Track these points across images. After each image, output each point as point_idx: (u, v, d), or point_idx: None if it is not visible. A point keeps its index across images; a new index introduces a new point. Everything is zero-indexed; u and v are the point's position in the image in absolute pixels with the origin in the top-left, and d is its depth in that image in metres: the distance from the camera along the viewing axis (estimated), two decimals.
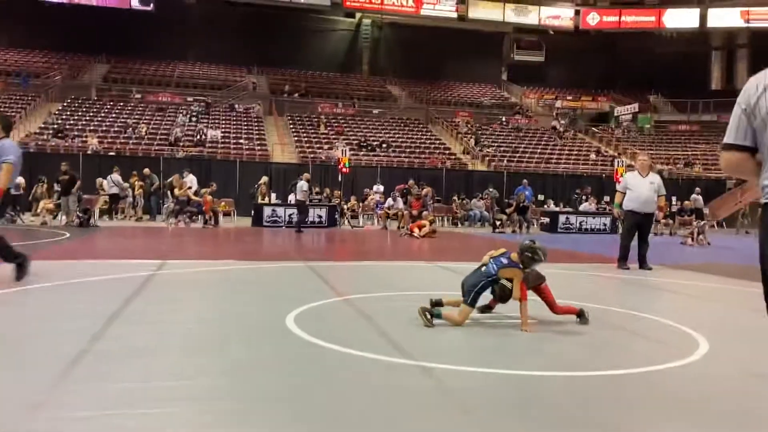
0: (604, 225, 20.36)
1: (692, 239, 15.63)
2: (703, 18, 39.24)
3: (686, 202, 23.31)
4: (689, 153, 32.92)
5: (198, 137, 26.19)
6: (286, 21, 38.83)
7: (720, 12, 39.15)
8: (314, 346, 4.25)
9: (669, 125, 37.77)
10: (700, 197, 23.37)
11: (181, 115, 28.67)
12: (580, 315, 5.22)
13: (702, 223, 16.90)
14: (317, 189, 21.45)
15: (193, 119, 28.42)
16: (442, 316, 5.00)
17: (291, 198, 19.97)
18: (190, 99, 31.36)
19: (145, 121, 27.48)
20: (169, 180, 18.78)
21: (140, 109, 29.42)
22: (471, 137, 31.15)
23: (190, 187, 18.07)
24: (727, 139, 2.36)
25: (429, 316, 4.95)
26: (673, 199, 24.12)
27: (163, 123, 28.00)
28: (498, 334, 4.91)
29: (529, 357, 4.27)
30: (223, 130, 27.84)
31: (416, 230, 15.45)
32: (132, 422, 2.82)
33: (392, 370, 3.78)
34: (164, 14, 34.71)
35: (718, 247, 14.96)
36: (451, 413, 3.07)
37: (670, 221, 21.50)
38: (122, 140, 25.13)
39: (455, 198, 22.43)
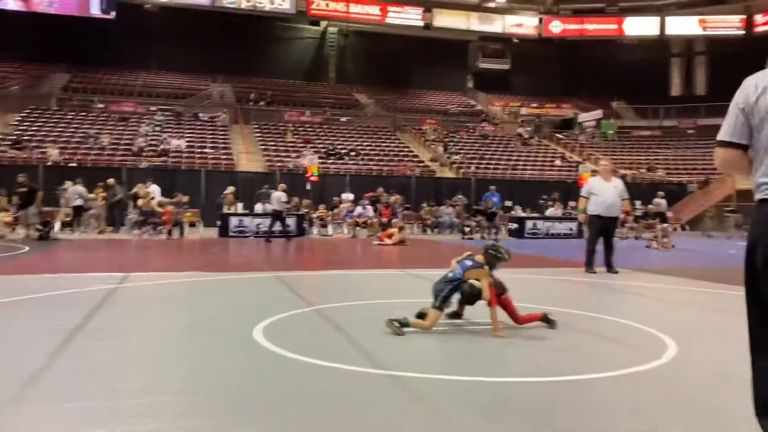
0: (571, 229, 20.59)
1: (657, 242, 15.88)
2: (662, 26, 40.22)
3: (650, 206, 23.72)
4: (652, 158, 33.60)
5: (162, 147, 25.77)
6: (251, 29, 38.57)
7: (678, 20, 40.19)
8: (283, 358, 4.15)
9: (631, 131, 38.53)
10: (663, 201, 23.81)
11: (144, 124, 28.18)
12: (545, 319, 5.22)
13: (665, 226, 17.20)
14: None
15: (157, 129, 27.97)
16: (411, 324, 4.95)
17: (258, 207, 19.78)
18: (153, 108, 30.88)
19: (107, 132, 26.92)
20: (132, 191, 18.40)
21: (102, 119, 28.83)
22: (439, 144, 31.30)
23: (152, 198, 17.75)
24: (724, 136, 2.43)
25: (397, 325, 4.90)
26: (637, 203, 24.54)
27: (126, 133, 27.49)
28: (468, 340, 4.87)
29: (499, 363, 4.24)
30: (187, 139, 27.44)
31: (386, 239, 15.40)
32: None
33: (363, 380, 3.71)
34: (126, 22, 34.08)
35: (682, 249, 15.24)
36: (424, 422, 3.01)
37: (635, 225, 21.86)
38: (84, 151, 24.57)
39: (424, 205, 22.46)
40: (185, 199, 19.00)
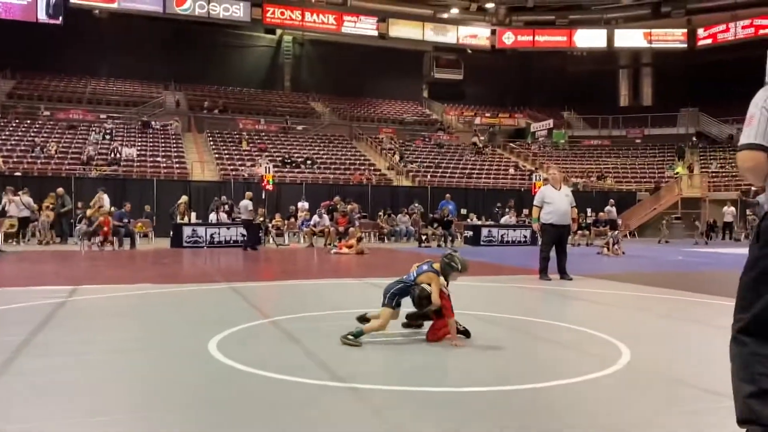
0: (525, 237, 20.92)
1: (608, 249, 16.25)
2: (610, 38, 41.39)
3: (600, 214, 24.34)
4: (601, 166, 34.46)
5: (112, 155, 25.14)
6: (204, 36, 38.10)
7: (625, 33, 41.44)
8: (239, 373, 4.06)
9: (582, 140, 39.48)
10: (614, 209, 24.46)
11: (94, 132, 27.45)
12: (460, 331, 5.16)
13: (616, 233, 17.62)
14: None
15: (107, 137, 27.28)
16: (364, 331, 4.92)
17: (212, 217, 19.45)
18: (103, 116, 30.13)
19: (54, 140, 26.13)
20: (93, 201, 17.90)
21: (49, 126, 27.98)
22: (395, 153, 31.43)
23: (101, 206, 17.26)
24: (756, 139, 2.42)
25: (352, 338, 4.85)
26: (588, 210, 25.13)
27: (75, 141, 26.72)
28: (425, 351, 4.84)
29: (458, 373, 4.24)
30: (139, 148, 26.85)
31: (345, 249, 15.34)
32: None
33: (322, 393, 3.66)
34: (74, 28, 33.17)
35: (632, 256, 15.64)
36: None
37: (587, 232, 22.37)
38: (30, 160, 23.77)
39: (381, 213, 22.49)
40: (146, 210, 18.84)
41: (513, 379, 4.01)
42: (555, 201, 9.99)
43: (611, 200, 25.13)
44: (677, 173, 32.03)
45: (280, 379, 3.90)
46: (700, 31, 40.14)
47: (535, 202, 10.46)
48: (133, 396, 3.60)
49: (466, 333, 5.14)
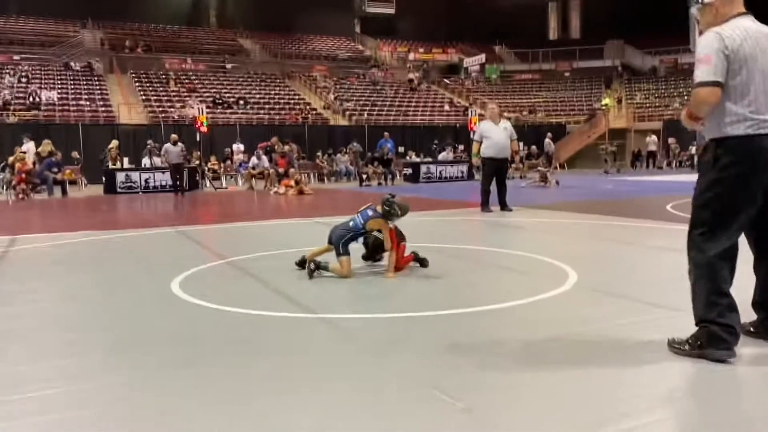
0: (462, 173, 21.32)
1: (544, 181, 16.70)
2: None
3: (533, 147, 24.99)
4: (533, 100, 35.13)
5: (30, 100, 23.73)
6: None
7: None
8: (210, 310, 4.13)
9: (514, 75, 39.96)
10: (552, 142, 25.17)
11: (8, 75, 25.72)
12: (417, 259, 5.38)
13: (550, 168, 18.18)
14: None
15: (23, 80, 25.65)
16: (330, 269, 5.07)
17: (145, 161, 18.87)
18: (17, 57, 28.19)
19: None
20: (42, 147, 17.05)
21: None
22: (330, 92, 30.99)
23: (24, 152, 16.42)
24: (714, 77, 2.83)
25: (313, 267, 5.05)
26: (521, 144, 25.72)
27: None
28: (384, 283, 4.98)
29: (417, 299, 4.43)
30: (59, 91, 25.41)
31: (283, 188, 15.30)
32: (9, 408, 2.59)
33: (297, 324, 3.79)
34: None
35: (565, 187, 16.26)
36: (361, 356, 3.14)
37: (520, 165, 22.98)
38: None
39: (320, 154, 22.35)
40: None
41: (473, 301, 4.24)
42: (493, 135, 10.23)
43: (549, 134, 25.76)
44: (605, 105, 33.04)
45: (253, 314, 3.99)
46: None
47: (474, 137, 10.72)
48: (106, 338, 3.61)
49: (423, 262, 5.35)
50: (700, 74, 2.86)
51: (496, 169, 10.32)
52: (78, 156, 19.54)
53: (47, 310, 4.27)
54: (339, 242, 5.11)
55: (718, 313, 2.89)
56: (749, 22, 2.92)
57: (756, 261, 3.18)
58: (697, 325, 3.00)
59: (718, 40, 2.84)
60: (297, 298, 4.41)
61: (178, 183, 16.51)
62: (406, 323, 3.80)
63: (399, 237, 5.32)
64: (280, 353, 3.25)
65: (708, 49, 2.85)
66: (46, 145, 17.33)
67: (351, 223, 5.23)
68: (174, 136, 17.04)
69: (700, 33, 3.09)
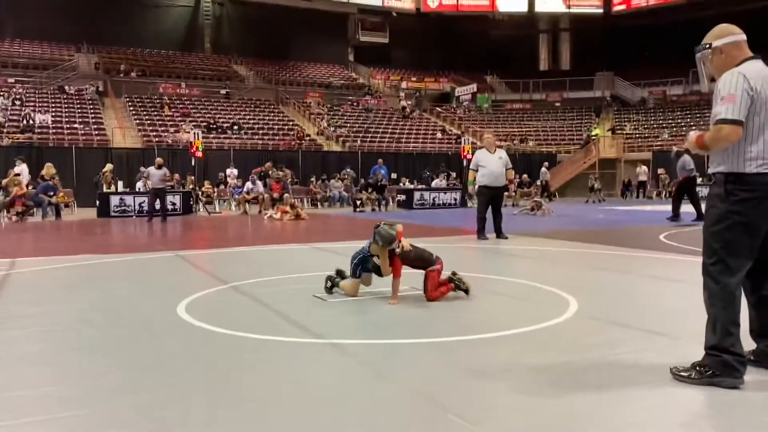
0: (455, 199, 21.51)
1: (538, 210, 16.83)
2: (531, 3, 42.34)
3: (524, 176, 25.27)
4: (524, 129, 35.57)
5: (24, 122, 23.77)
6: None
7: None
8: (218, 335, 4.17)
9: (505, 104, 40.53)
10: (548, 171, 25.50)
11: (2, 98, 25.78)
12: (460, 289, 5.40)
13: (542, 196, 18.38)
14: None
15: (17, 102, 25.71)
16: (339, 286, 5.39)
17: (139, 185, 18.90)
18: (11, 80, 28.30)
19: None
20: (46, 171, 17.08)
21: None
22: (323, 118, 31.26)
23: (18, 174, 16.42)
24: (739, 116, 2.96)
25: (329, 285, 5.41)
26: (513, 173, 26.01)
27: None
28: (389, 309, 5.02)
29: (422, 326, 4.49)
30: (53, 114, 25.49)
31: (280, 214, 15.38)
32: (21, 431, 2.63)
33: (305, 349, 3.84)
34: None
35: (558, 215, 16.43)
36: (374, 382, 3.20)
37: (513, 193, 23.21)
38: None
39: (313, 179, 22.48)
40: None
41: (477, 328, 4.31)
42: (488, 164, 10.38)
43: (545, 163, 26.07)
44: (595, 135, 33.51)
45: (261, 339, 4.04)
46: None
47: (470, 166, 10.87)
48: (118, 360, 3.64)
49: (465, 290, 5.34)
50: (724, 111, 2.98)
51: (491, 197, 10.47)
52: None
53: (54, 334, 4.29)
54: (351, 264, 5.38)
55: (731, 342, 3.01)
56: (762, 65, 3.08)
57: (749, 291, 3.29)
58: (707, 351, 3.09)
59: (743, 80, 2.98)
60: (303, 323, 4.46)
61: (157, 208, 15.69)
62: (413, 349, 3.86)
63: (424, 261, 5.32)
64: (291, 378, 3.30)
65: (733, 88, 2.98)
66: (50, 168, 17.38)
67: (362, 247, 5.43)
68: (159, 160, 16.22)
69: (709, 76, 3.29)
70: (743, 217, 3.01)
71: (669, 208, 14.14)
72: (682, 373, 3.12)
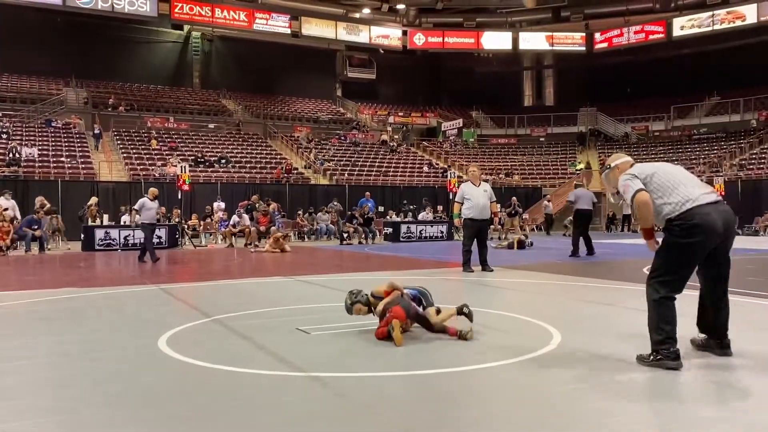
0: (442, 232, 21.58)
1: (517, 246, 16.50)
2: (515, 41, 43.19)
3: (513, 198, 25.37)
4: (509, 163, 35.93)
5: (11, 155, 23.69)
6: (106, 31, 36.50)
7: (529, 35, 43.41)
8: (199, 368, 4.14)
9: (490, 139, 41.02)
10: (550, 204, 25.68)
11: None
12: (464, 314, 5.35)
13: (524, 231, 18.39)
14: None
15: (3, 136, 25.66)
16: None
17: (125, 219, 18.81)
18: None
19: None
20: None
21: None
22: (311, 152, 31.45)
23: (6, 209, 16.32)
24: (641, 186, 4.14)
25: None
26: (498, 206, 26.15)
27: None
28: (374, 342, 5.04)
29: (411, 358, 4.48)
30: (40, 147, 25.44)
31: (268, 246, 15.42)
32: None
33: (287, 382, 3.82)
34: None
35: (541, 248, 16.52)
36: (353, 415, 3.19)
37: (499, 226, 23.31)
38: None
39: (300, 212, 22.50)
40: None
41: (462, 360, 4.31)
42: (474, 197, 10.44)
43: (548, 196, 26.23)
44: (579, 170, 33.90)
45: (241, 372, 4.02)
46: (597, 35, 42.67)
47: (456, 199, 10.87)
48: (96, 394, 3.60)
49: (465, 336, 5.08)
50: (630, 190, 4.12)
51: (477, 230, 10.52)
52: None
53: (34, 368, 4.24)
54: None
55: (663, 338, 4.01)
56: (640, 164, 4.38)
57: (703, 290, 4.35)
58: (653, 342, 4.07)
59: (629, 176, 4.22)
60: (286, 356, 4.44)
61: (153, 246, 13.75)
62: (397, 381, 3.86)
63: (416, 319, 5.12)
64: (275, 412, 3.28)
65: (624, 180, 4.21)
66: (44, 202, 17.42)
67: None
68: (154, 191, 14.25)
69: (614, 188, 4.50)
70: (696, 243, 4.11)
71: None
72: (644, 359, 4.10)
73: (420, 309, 5.18)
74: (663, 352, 3.98)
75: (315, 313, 6.24)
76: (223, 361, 4.26)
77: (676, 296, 4.09)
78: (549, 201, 26.21)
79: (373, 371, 4.10)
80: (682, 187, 4.11)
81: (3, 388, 3.75)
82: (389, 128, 39.20)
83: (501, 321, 5.87)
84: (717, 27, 37.77)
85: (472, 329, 5.01)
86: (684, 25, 38.94)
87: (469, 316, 5.32)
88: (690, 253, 4.04)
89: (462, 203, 10.53)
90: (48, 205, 17.47)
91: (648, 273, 4.19)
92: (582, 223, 13.87)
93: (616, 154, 4.64)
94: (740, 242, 18.40)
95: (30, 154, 24.35)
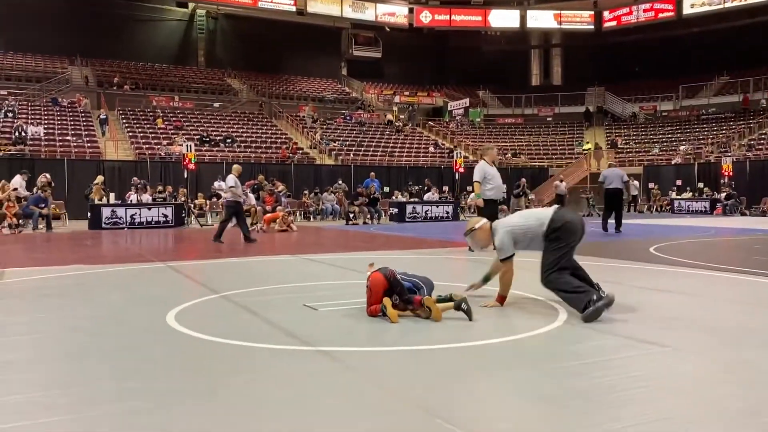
0: (447, 213, 21.56)
1: None
2: (522, 19, 42.77)
3: (522, 180, 25.31)
4: (516, 144, 35.77)
5: (17, 134, 23.71)
6: (111, 9, 36.32)
7: (537, 14, 42.96)
8: (209, 342, 4.18)
9: (497, 118, 40.78)
10: (562, 184, 25.58)
11: None
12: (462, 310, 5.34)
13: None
14: (160, 187, 20.42)
15: (9, 114, 25.67)
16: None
17: (132, 197, 18.85)
18: (3, 92, 28.27)
19: None
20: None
21: None
22: (317, 132, 31.35)
23: (15, 189, 16.40)
24: (510, 252, 5.41)
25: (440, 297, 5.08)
26: (505, 186, 26.07)
27: None
28: (378, 319, 5.06)
29: (416, 334, 4.50)
30: (46, 126, 25.45)
31: (272, 224, 15.47)
32: None
33: (295, 356, 3.85)
34: None
35: None
36: (361, 387, 3.21)
37: (504, 207, 23.28)
38: None
39: (306, 192, 22.50)
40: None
41: (470, 336, 4.33)
42: (495, 177, 10.08)
43: (561, 176, 26.12)
44: (586, 149, 33.74)
45: (249, 346, 4.05)
46: (606, 14, 42.20)
47: (476, 178, 10.17)
48: (108, 367, 3.63)
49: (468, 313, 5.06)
50: (504, 253, 5.36)
51: (495, 210, 10.29)
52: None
53: (45, 342, 4.28)
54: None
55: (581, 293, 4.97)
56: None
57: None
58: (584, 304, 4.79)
59: (509, 233, 5.31)
60: (294, 331, 4.46)
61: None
62: (404, 356, 3.88)
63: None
64: (286, 385, 3.31)
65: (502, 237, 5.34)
66: (44, 178, 17.43)
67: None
68: (238, 168, 13.45)
69: (479, 246, 5.58)
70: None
71: (660, 221, 14.27)
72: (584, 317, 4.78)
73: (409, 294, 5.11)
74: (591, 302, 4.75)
75: (321, 290, 6.26)
76: (232, 335, 4.29)
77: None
78: (561, 181, 26.05)
79: (380, 346, 4.13)
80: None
81: (13, 361, 3.79)
82: (395, 108, 38.98)
83: (509, 298, 5.86)
84: (728, 5, 37.28)
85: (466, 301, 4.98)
86: (694, 3, 38.44)
87: (468, 312, 5.02)
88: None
89: (481, 183, 10.24)
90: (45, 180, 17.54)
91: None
92: (611, 201, 13.96)
93: (472, 219, 5.79)
94: (747, 222, 18.37)
95: (36, 132, 24.37)
